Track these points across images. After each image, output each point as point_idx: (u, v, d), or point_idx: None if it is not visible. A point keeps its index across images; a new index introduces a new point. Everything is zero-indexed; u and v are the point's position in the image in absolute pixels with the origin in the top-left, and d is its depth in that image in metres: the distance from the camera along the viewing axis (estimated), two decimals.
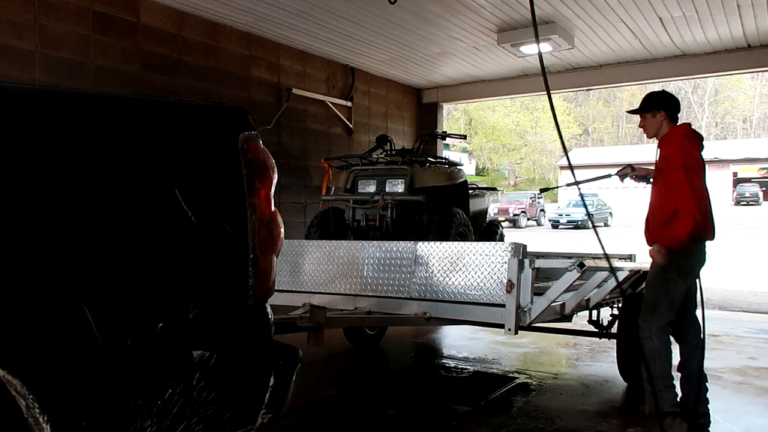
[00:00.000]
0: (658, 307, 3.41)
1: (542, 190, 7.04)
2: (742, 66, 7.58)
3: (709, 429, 3.43)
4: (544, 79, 2.25)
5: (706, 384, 3.50)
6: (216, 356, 1.58)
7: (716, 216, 3.61)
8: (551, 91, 2.59)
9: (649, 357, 3.38)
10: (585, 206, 3.71)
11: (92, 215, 1.43)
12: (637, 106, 3.69)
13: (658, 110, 3.52)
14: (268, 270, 1.75)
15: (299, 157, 7.28)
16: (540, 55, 2.58)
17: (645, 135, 3.69)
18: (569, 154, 4.24)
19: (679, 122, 3.57)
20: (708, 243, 3.51)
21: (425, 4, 5.79)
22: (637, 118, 3.67)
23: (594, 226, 2.78)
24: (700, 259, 3.51)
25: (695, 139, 3.47)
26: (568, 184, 6.09)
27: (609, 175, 4.13)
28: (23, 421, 1.31)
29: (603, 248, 2.53)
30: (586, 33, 6.68)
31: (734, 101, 53.29)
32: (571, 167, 2.93)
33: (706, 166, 3.53)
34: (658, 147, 3.56)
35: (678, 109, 3.58)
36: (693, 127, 3.59)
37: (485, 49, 7.26)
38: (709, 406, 3.47)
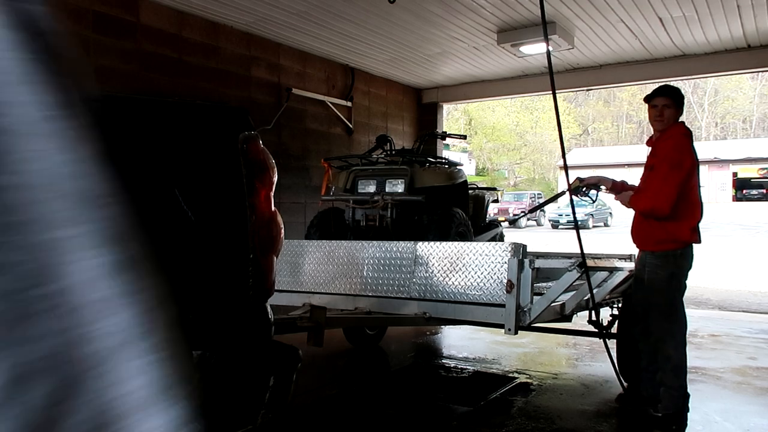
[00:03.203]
0: (676, 313, 3.45)
1: (510, 221, 6.33)
2: (742, 66, 7.58)
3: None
4: (551, 78, 2.25)
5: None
6: (216, 356, 1.58)
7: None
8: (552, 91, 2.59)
9: (678, 367, 3.43)
10: (574, 213, 3.74)
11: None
12: (639, 104, 3.72)
13: (680, 106, 3.47)
14: (268, 270, 1.75)
15: (299, 157, 7.28)
16: (548, 53, 2.58)
17: (653, 126, 3.54)
18: (569, 154, 4.26)
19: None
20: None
21: (425, 4, 5.79)
22: (638, 115, 3.68)
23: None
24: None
25: (691, 138, 3.50)
26: (530, 211, 6.10)
27: (563, 193, 4.16)
28: None
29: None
30: (586, 33, 6.68)
31: (734, 101, 53.30)
32: (566, 169, 2.93)
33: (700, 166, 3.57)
34: (654, 143, 3.54)
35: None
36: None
37: (485, 49, 7.26)
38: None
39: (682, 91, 3.61)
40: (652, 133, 3.67)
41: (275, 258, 1.80)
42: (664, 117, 3.43)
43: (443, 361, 5.21)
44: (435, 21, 6.26)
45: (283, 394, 1.73)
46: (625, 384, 4.03)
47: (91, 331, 0.37)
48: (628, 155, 36.71)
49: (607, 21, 6.29)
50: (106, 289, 0.39)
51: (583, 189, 3.82)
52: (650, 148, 3.63)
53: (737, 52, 7.28)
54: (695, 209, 3.43)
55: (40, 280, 0.36)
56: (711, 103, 53.58)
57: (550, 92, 2.86)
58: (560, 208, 29.66)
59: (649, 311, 3.52)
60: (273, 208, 1.80)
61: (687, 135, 3.46)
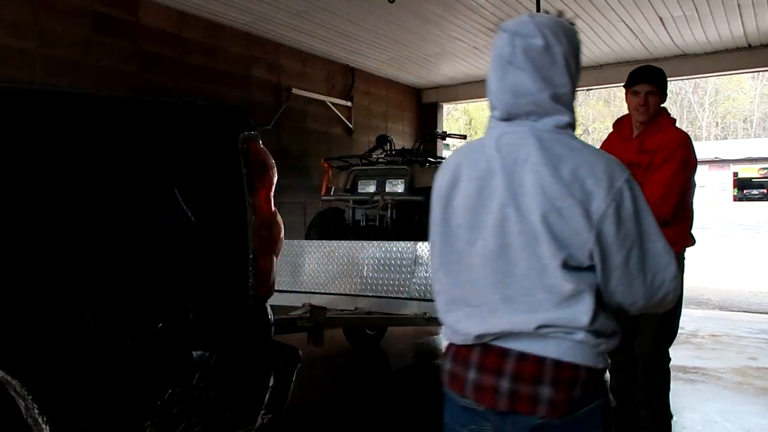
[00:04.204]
0: (676, 329, 3.03)
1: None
2: (742, 66, 7.58)
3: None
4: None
5: None
6: (216, 356, 1.58)
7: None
8: None
9: (667, 385, 3.06)
10: None
11: (92, 216, 1.43)
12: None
13: (665, 93, 2.93)
14: (268, 270, 1.75)
15: (299, 157, 7.28)
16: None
17: (635, 116, 2.95)
18: None
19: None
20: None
21: (425, 4, 5.78)
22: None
23: None
24: None
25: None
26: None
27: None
28: (23, 422, 1.31)
29: None
30: (586, 33, 6.68)
31: (734, 101, 53.30)
32: None
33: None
34: (642, 137, 2.97)
35: None
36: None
37: (485, 49, 7.26)
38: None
39: (680, 91, 3.24)
40: (627, 122, 3.07)
41: (275, 258, 1.80)
42: (650, 106, 2.87)
43: None
44: (435, 21, 6.26)
45: (282, 394, 1.73)
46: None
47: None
48: None
49: (607, 21, 6.29)
50: None
51: None
52: (621, 140, 3.05)
53: (738, 52, 7.28)
54: (690, 209, 3.05)
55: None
56: (711, 102, 53.58)
57: None
58: None
59: (641, 329, 3.01)
60: (273, 208, 1.80)
61: (676, 124, 3.01)
